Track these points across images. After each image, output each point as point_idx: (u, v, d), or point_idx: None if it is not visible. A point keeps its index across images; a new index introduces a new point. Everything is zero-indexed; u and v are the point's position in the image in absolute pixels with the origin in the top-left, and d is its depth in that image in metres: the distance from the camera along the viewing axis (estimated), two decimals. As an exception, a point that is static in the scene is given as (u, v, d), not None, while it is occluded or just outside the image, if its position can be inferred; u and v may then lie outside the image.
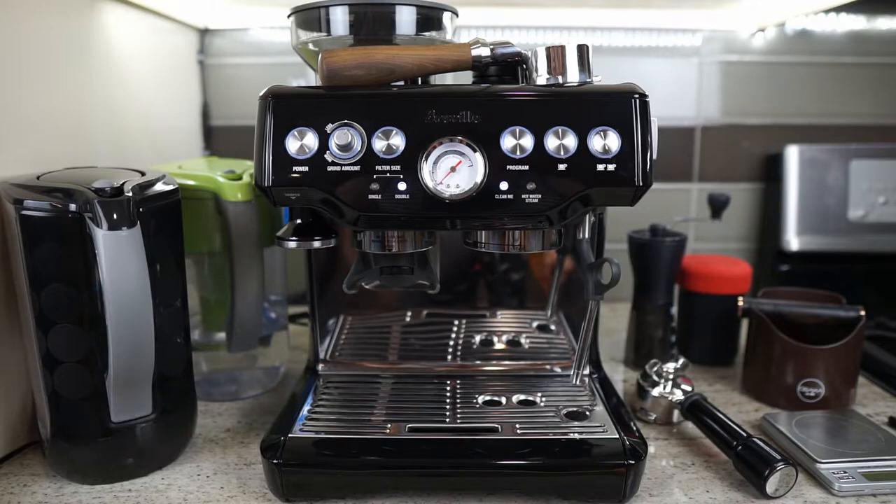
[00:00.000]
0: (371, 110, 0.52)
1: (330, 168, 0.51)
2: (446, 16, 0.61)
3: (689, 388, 0.70)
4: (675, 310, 0.87)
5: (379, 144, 0.51)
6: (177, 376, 0.62)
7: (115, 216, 0.51)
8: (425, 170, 0.51)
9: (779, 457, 0.55)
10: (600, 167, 0.50)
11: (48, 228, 0.53)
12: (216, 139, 1.11)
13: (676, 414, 0.70)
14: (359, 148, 0.51)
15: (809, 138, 1.10)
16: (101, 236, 0.51)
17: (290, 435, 0.58)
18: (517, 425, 0.60)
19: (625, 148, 0.50)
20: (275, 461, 0.54)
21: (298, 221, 0.60)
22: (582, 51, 0.53)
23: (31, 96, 0.66)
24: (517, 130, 0.51)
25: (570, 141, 0.50)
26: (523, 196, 0.51)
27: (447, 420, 0.62)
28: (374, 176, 0.51)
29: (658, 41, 1.09)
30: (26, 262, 0.54)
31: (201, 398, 0.70)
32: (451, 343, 0.75)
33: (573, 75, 0.53)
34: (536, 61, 0.54)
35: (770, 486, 0.55)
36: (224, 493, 0.57)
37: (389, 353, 0.75)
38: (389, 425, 0.60)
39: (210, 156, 1.10)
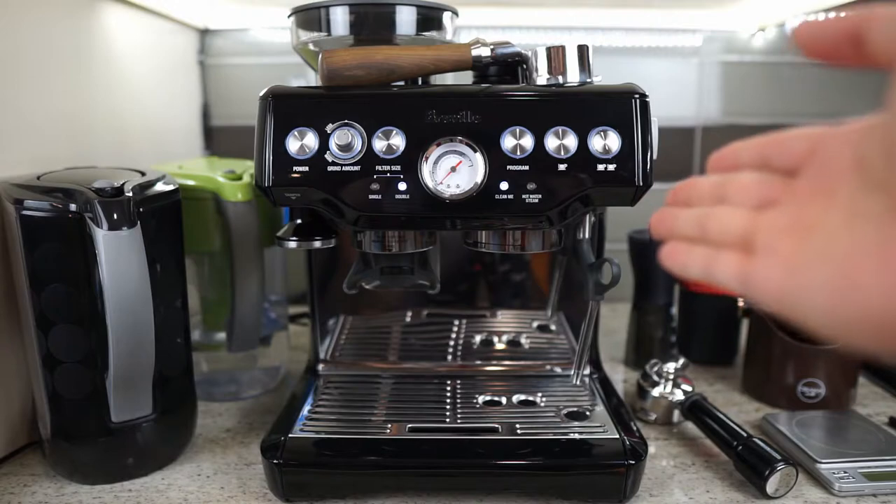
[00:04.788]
0: (371, 110, 0.52)
1: (330, 168, 0.51)
2: (446, 16, 0.61)
3: (689, 388, 0.70)
4: (675, 310, 0.87)
5: (379, 144, 0.51)
6: (177, 376, 0.62)
7: (115, 216, 0.51)
8: (425, 170, 0.51)
9: (779, 457, 0.55)
10: (600, 167, 0.50)
11: (48, 228, 0.53)
12: (216, 139, 1.11)
13: (676, 414, 0.70)
14: (359, 148, 0.51)
15: (809, 138, 1.10)
16: (102, 236, 0.51)
17: (290, 435, 0.58)
18: (517, 425, 0.60)
19: (625, 148, 0.50)
20: (275, 461, 0.54)
21: (298, 221, 0.60)
22: (582, 51, 0.53)
23: (31, 96, 0.66)
24: (517, 130, 0.51)
25: (571, 141, 0.50)
26: (523, 196, 0.51)
27: (447, 420, 0.62)
28: (375, 176, 0.51)
29: (658, 41, 1.09)
30: (26, 262, 0.54)
31: (201, 398, 0.70)
32: (452, 343, 0.75)
33: (573, 75, 0.53)
34: (536, 61, 0.54)
35: (770, 486, 0.55)
36: (224, 493, 0.57)
37: (390, 353, 0.75)
38: (390, 425, 0.60)
39: (210, 156, 1.10)
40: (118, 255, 0.52)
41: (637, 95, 0.51)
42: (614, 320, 1.03)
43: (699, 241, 0.30)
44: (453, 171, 0.51)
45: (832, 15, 0.24)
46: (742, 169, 0.30)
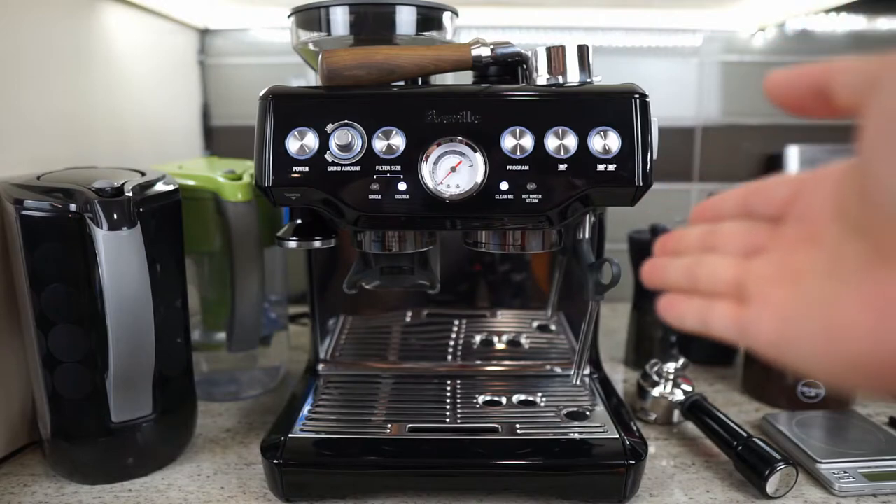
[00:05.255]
0: (371, 110, 0.52)
1: (330, 168, 0.51)
2: (446, 16, 0.61)
3: (689, 388, 0.70)
4: (675, 310, 0.87)
5: (379, 144, 0.51)
6: (177, 376, 0.62)
7: (115, 216, 0.51)
8: (425, 170, 0.51)
9: (779, 457, 0.55)
10: (600, 167, 0.50)
11: (48, 228, 0.53)
12: (216, 139, 1.11)
13: (677, 414, 0.70)
14: (359, 148, 0.51)
15: (809, 138, 1.10)
16: (102, 236, 0.51)
17: (290, 435, 0.58)
18: (517, 425, 0.60)
19: (625, 148, 0.50)
20: (275, 461, 0.54)
21: (298, 221, 0.60)
22: (582, 51, 0.53)
23: (31, 96, 0.66)
24: (517, 130, 0.51)
25: (571, 141, 0.50)
26: (523, 196, 0.51)
27: (447, 420, 0.62)
28: (375, 176, 0.51)
29: (658, 41, 1.09)
30: (26, 262, 0.54)
31: (201, 398, 0.70)
32: (452, 343, 0.75)
33: (573, 75, 0.53)
34: (536, 61, 0.54)
35: (770, 486, 0.55)
36: (224, 493, 0.57)
37: (390, 353, 0.75)
38: (390, 425, 0.60)
39: (210, 156, 1.10)
40: (118, 255, 0.52)
41: (637, 95, 0.51)
42: (614, 320, 1.03)
43: (692, 292, 0.30)
44: (453, 171, 0.51)
45: (799, 67, 0.25)
46: (725, 219, 0.30)
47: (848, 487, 0.56)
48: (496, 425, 0.60)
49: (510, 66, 0.56)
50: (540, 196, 0.51)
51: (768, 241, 0.27)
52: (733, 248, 0.29)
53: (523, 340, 0.75)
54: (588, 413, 0.63)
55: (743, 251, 0.28)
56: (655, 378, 0.71)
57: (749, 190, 0.29)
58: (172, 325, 0.60)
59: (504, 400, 0.66)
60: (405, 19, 0.58)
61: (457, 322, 0.76)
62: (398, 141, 0.51)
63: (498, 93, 0.53)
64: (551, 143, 0.50)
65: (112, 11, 0.81)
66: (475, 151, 0.51)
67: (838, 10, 1.07)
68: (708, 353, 0.88)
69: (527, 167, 0.51)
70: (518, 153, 0.51)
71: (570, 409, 0.63)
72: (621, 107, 0.51)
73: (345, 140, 0.50)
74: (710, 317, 0.28)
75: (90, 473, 0.59)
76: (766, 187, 0.28)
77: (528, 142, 0.51)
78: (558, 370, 0.73)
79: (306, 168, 0.51)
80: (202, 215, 0.68)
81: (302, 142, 0.51)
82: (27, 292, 0.55)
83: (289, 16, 0.61)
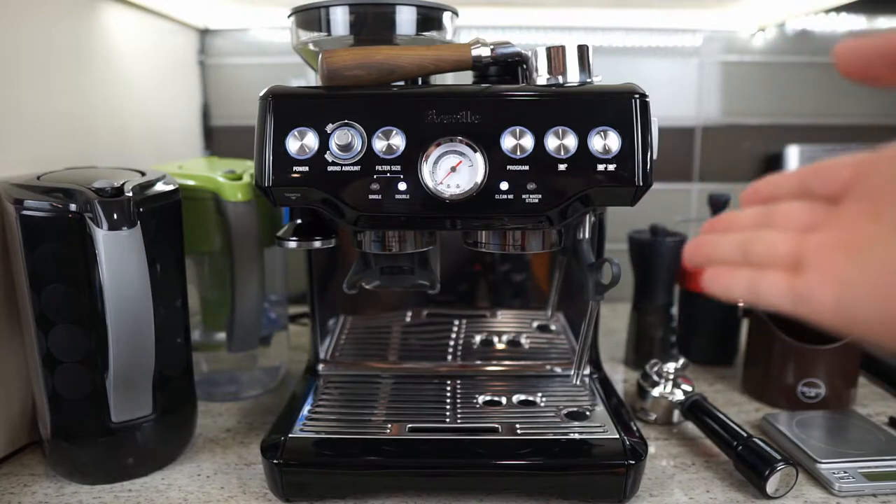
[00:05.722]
0: (371, 110, 0.51)
1: (330, 168, 0.51)
2: (446, 16, 0.61)
3: (689, 388, 0.70)
4: (675, 310, 0.87)
5: (379, 144, 0.51)
6: (177, 376, 0.62)
7: (115, 216, 0.51)
8: (425, 170, 0.51)
9: (779, 457, 0.55)
10: (600, 167, 0.50)
11: (48, 228, 0.53)
12: (216, 139, 1.11)
13: (677, 414, 0.70)
14: (359, 148, 0.51)
15: (809, 138, 1.10)
16: (102, 236, 0.51)
17: (290, 435, 0.58)
18: (517, 425, 0.60)
19: (625, 148, 0.50)
20: (275, 461, 0.54)
21: (299, 221, 0.60)
22: (582, 51, 0.53)
23: (31, 96, 0.66)
24: (517, 130, 0.51)
25: (571, 141, 0.50)
26: (523, 196, 0.51)
27: (447, 420, 0.62)
28: (375, 176, 0.51)
29: (658, 41, 1.09)
30: (26, 262, 0.54)
31: (201, 398, 0.70)
32: (452, 343, 0.75)
33: (573, 75, 0.53)
34: (536, 61, 0.54)
35: (770, 486, 0.55)
36: (224, 493, 0.57)
37: (390, 353, 0.75)
38: (390, 425, 0.60)
39: (210, 156, 1.10)
40: (118, 255, 0.52)
41: (637, 95, 0.51)
42: (614, 320, 1.03)
43: (741, 265, 0.30)
44: (453, 171, 0.51)
45: (873, 34, 0.25)
46: (781, 200, 0.30)
47: (848, 487, 0.56)
48: (496, 425, 0.60)
49: (510, 66, 0.56)
50: (540, 196, 0.51)
51: (827, 219, 0.28)
52: (791, 225, 0.29)
53: (523, 340, 0.75)
54: (588, 413, 0.63)
55: (801, 228, 0.28)
56: (655, 378, 0.71)
57: (808, 170, 0.29)
58: (172, 325, 0.60)
59: (504, 400, 0.66)
60: (405, 19, 0.58)
61: (457, 322, 0.76)
62: (398, 141, 0.51)
63: (498, 93, 0.53)
64: (551, 143, 0.50)
65: (112, 11, 0.81)
66: (475, 151, 0.51)
67: (838, 10, 1.07)
68: (708, 353, 0.88)
69: (527, 167, 0.51)
70: (518, 153, 0.51)
71: (570, 409, 0.63)
72: (621, 107, 0.51)
73: (345, 140, 0.50)
74: (761, 286, 0.28)
75: (90, 473, 0.59)
76: (829, 167, 0.29)
77: (528, 142, 0.50)
78: (558, 370, 0.73)
79: (306, 168, 0.51)
80: (202, 215, 0.68)
81: (302, 142, 0.51)
82: (27, 292, 0.55)
83: (289, 16, 0.61)
